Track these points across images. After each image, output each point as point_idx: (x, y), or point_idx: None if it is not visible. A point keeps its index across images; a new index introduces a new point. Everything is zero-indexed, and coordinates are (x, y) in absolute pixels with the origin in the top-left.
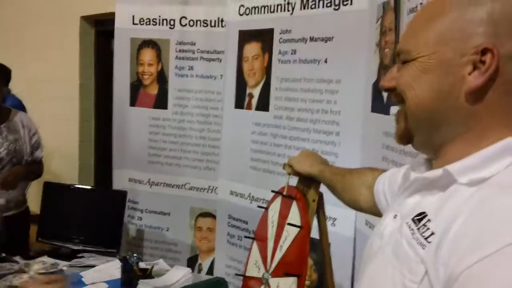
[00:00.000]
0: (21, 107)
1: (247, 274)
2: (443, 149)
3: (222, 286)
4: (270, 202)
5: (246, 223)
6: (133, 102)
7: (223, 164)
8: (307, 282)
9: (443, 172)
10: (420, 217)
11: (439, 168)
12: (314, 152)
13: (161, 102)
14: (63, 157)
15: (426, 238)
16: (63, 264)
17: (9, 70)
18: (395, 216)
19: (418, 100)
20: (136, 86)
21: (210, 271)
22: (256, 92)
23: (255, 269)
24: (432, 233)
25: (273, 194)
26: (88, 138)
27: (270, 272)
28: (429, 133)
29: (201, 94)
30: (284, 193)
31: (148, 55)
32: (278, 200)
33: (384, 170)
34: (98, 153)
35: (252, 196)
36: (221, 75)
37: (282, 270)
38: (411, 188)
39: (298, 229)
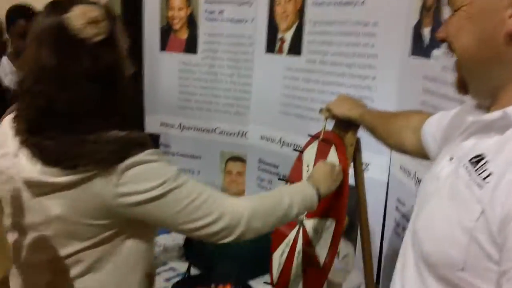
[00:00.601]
0: None
1: None
2: (498, 94)
3: None
4: (305, 146)
5: (277, 167)
6: (163, 47)
7: (253, 109)
8: None
9: (502, 114)
10: (477, 159)
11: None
12: (351, 96)
13: (191, 46)
14: None
15: (484, 179)
16: None
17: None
18: (451, 159)
19: (464, 49)
20: (166, 31)
21: None
22: (288, 36)
23: None
24: (490, 174)
25: (307, 138)
26: None
27: (305, 213)
28: (482, 81)
29: (231, 38)
30: (321, 137)
31: None
32: (314, 144)
33: (429, 114)
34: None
35: (283, 141)
36: (252, 19)
37: (318, 213)
38: (468, 131)
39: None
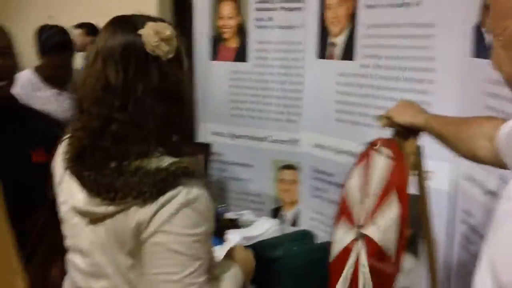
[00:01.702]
0: None
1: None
2: None
3: (308, 239)
4: (362, 154)
5: (331, 175)
6: (214, 56)
7: (306, 116)
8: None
9: None
10: None
11: None
12: (413, 101)
13: (241, 55)
14: None
15: None
16: None
17: (97, 28)
18: None
19: (507, 77)
20: (217, 40)
21: (294, 222)
22: (340, 40)
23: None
24: None
25: (362, 145)
26: None
27: (362, 222)
28: None
29: (281, 45)
30: (379, 145)
31: (227, 8)
32: (372, 152)
33: (503, 120)
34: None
35: (337, 148)
36: (302, 25)
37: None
38: None
39: (394, 185)
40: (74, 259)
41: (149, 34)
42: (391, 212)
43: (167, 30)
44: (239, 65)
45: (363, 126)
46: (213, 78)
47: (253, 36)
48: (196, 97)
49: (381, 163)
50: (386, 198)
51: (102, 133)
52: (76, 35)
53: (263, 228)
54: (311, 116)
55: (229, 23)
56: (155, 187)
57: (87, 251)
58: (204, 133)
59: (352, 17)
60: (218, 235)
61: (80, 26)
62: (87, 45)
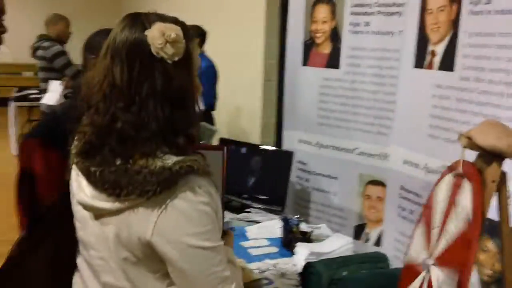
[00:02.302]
0: (212, 67)
1: (411, 250)
2: None
3: (382, 263)
4: (442, 175)
5: (420, 196)
6: (305, 62)
7: (397, 129)
8: (488, 272)
9: None
10: None
11: None
12: (500, 122)
13: (333, 61)
14: (248, 116)
15: None
16: (230, 217)
17: (205, 31)
18: None
19: None
20: (309, 45)
21: (378, 242)
22: (440, 49)
23: (418, 246)
24: None
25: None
26: (270, 97)
27: (433, 258)
28: None
29: (376, 52)
30: (458, 169)
31: (323, 11)
32: (450, 176)
33: None
34: (279, 113)
35: (429, 167)
36: (400, 31)
37: (446, 262)
38: None
39: (468, 215)
40: (81, 252)
41: (154, 35)
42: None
43: (173, 32)
44: (330, 71)
45: (458, 144)
46: (302, 84)
47: (347, 41)
48: (284, 102)
49: (449, 187)
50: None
51: (108, 131)
52: None
53: (335, 245)
54: (402, 130)
55: (323, 28)
56: (159, 185)
57: (93, 245)
58: (290, 140)
59: (454, 24)
60: (287, 246)
61: None
62: None
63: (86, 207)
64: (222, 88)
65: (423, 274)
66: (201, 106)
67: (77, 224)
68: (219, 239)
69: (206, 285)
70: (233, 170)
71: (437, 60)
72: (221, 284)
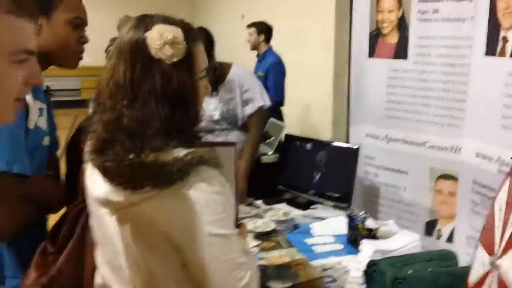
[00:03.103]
0: (279, 63)
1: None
2: None
3: (450, 261)
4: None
5: (494, 190)
6: (371, 53)
7: (469, 121)
8: None
9: None
10: None
11: None
12: None
13: (401, 51)
14: (318, 111)
15: None
16: (296, 213)
17: (271, 27)
18: None
19: None
20: (375, 36)
21: (450, 238)
22: None
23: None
24: None
25: None
26: (342, 92)
27: (497, 255)
28: None
29: (446, 40)
30: None
31: (388, 0)
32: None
33: None
34: (350, 108)
35: (502, 160)
36: (471, 17)
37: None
38: None
39: None
40: (100, 251)
41: (153, 36)
42: None
43: (171, 34)
44: (398, 62)
45: None
46: (369, 76)
47: (415, 30)
48: (351, 96)
49: None
50: None
51: (116, 127)
52: (249, 34)
53: (402, 242)
54: (475, 122)
55: (389, 17)
56: (173, 176)
57: (111, 242)
58: (357, 134)
59: None
60: (353, 244)
61: (252, 25)
62: (259, 44)
63: (103, 203)
64: (292, 84)
65: (489, 279)
66: (267, 101)
67: (94, 223)
68: (233, 228)
69: (221, 271)
70: (298, 166)
71: (510, 46)
72: (236, 271)
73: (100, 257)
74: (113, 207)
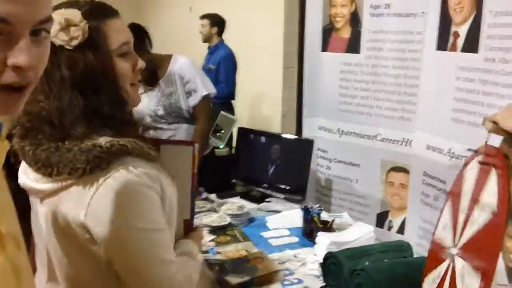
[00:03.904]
0: (231, 56)
1: (435, 237)
2: None
3: (405, 251)
4: (468, 160)
5: (444, 182)
6: (324, 47)
7: (420, 114)
8: None
9: None
10: None
11: None
12: None
13: (353, 46)
14: (268, 104)
15: None
16: (250, 207)
17: (224, 20)
18: None
19: None
20: (328, 30)
21: (401, 230)
22: (463, 30)
23: (443, 233)
24: None
25: (471, 153)
26: (291, 85)
27: (457, 247)
28: None
29: (398, 35)
30: (480, 156)
31: None
32: (476, 162)
33: None
34: (299, 101)
35: (453, 153)
36: (422, 13)
37: (471, 251)
38: None
39: (493, 207)
40: (36, 245)
41: (52, 22)
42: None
43: (63, 18)
44: (351, 56)
45: (483, 128)
46: (322, 70)
47: (367, 25)
48: (304, 89)
49: (474, 174)
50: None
51: (38, 118)
52: (202, 25)
53: (357, 234)
54: (426, 115)
55: (342, 12)
56: (89, 163)
57: (39, 230)
58: (310, 127)
59: (478, 3)
60: (308, 236)
61: (205, 17)
62: (211, 36)
63: (30, 190)
64: (243, 76)
65: (447, 262)
66: (210, 89)
67: (32, 217)
68: (159, 223)
69: (143, 265)
70: (252, 160)
71: (460, 41)
72: (161, 266)
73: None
74: (37, 195)
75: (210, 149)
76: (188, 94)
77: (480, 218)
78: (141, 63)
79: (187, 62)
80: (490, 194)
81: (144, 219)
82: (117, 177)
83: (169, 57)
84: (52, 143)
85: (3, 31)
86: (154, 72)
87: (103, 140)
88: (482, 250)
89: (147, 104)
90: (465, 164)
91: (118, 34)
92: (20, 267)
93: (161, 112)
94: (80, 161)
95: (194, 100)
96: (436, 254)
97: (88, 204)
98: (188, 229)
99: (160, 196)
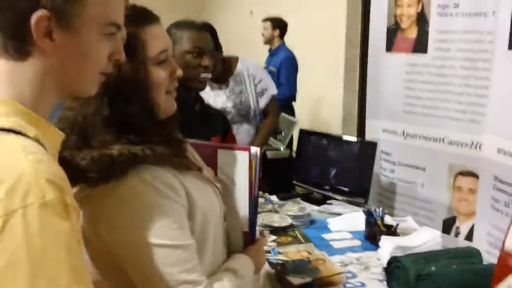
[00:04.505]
0: (292, 58)
1: (506, 245)
2: None
3: (474, 258)
4: None
5: None
6: (389, 48)
7: (491, 116)
8: None
9: None
10: None
11: None
12: None
13: (420, 46)
14: (329, 106)
15: None
16: (312, 209)
17: (286, 23)
18: None
19: None
20: (393, 30)
21: (469, 237)
22: None
23: None
24: None
25: None
26: (353, 87)
27: None
28: None
29: (467, 35)
30: None
31: None
32: None
33: None
34: (362, 103)
35: None
36: (493, 12)
37: None
38: None
39: None
40: None
41: None
42: None
43: None
44: (417, 57)
45: None
46: (387, 71)
47: (435, 25)
48: (368, 91)
49: None
50: None
51: (69, 125)
52: (264, 28)
53: (422, 239)
54: (497, 117)
55: (408, 12)
56: (100, 172)
57: None
58: (374, 130)
59: None
60: (371, 240)
61: (268, 19)
62: (273, 38)
63: None
64: (304, 79)
65: None
66: (276, 90)
67: None
68: (177, 238)
69: (159, 285)
70: (313, 162)
71: None
72: (183, 286)
73: None
74: None
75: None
76: (260, 93)
77: None
78: (179, 71)
79: (255, 63)
80: None
81: (158, 234)
82: (130, 187)
83: (236, 58)
84: (72, 151)
85: (116, 34)
86: (226, 71)
87: (115, 149)
88: None
89: (213, 102)
90: None
91: (156, 41)
92: (80, 238)
93: (229, 109)
94: (92, 171)
95: (265, 99)
96: (506, 262)
97: (101, 214)
98: (247, 242)
99: (187, 208)
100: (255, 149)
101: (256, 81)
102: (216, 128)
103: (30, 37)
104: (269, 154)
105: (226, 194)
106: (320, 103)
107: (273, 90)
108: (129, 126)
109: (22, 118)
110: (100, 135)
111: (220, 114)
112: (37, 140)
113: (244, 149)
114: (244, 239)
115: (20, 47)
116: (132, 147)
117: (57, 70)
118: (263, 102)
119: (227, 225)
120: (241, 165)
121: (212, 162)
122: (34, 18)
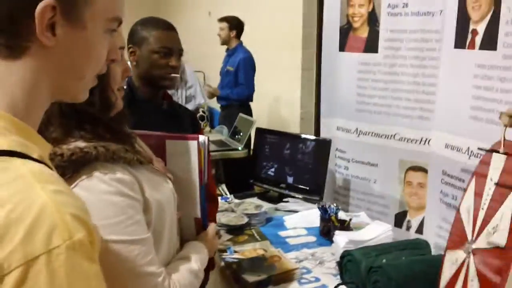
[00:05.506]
0: (250, 58)
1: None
2: None
3: (423, 249)
4: (484, 158)
5: (463, 181)
6: (342, 47)
7: (438, 113)
8: None
9: None
10: None
11: None
12: None
13: (371, 45)
14: (286, 106)
15: None
16: (269, 207)
17: (243, 22)
18: None
19: None
20: (346, 30)
21: (420, 230)
22: (481, 28)
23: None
24: None
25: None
26: (309, 86)
27: (473, 245)
28: None
29: (416, 34)
30: (500, 150)
31: None
32: (499, 158)
33: None
34: (318, 102)
35: (471, 151)
36: (441, 11)
37: (487, 256)
38: None
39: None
40: None
41: None
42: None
43: None
44: (369, 56)
45: (502, 126)
46: (341, 70)
47: (385, 24)
48: (321, 89)
49: (498, 168)
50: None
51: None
52: (220, 29)
53: (374, 233)
54: (444, 114)
55: (359, 11)
56: (61, 168)
57: None
58: (329, 128)
59: (496, 0)
60: (326, 235)
61: (224, 19)
62: (229, 39)
63: None
64: (261, 78)
65: (464, 256)
66: (205, 99)
67: None
68: (134, 233)
69: (118, 279)
70: (270, 160)
71: (478, 39)
72: (138, 280)
73: None
74: None
75: None
76: (188, 99)
77: (503, 216)
78: (129, 71)
79: (191, 69)
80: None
81: (115, 231)
82: (83, 186)
83: None
84: None
85: (115, 31)
86: None
87: (66, 148)
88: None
89: None
90: (484, 159)
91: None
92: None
93: None
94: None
95: (191, 106)
96: (454, 250)
97: None
98: (199, 228)
99: (142, 202)
100: (203, 137)
101: (187, 86)
102: (184, 126)
103: (30, 31)
104: (227, 154)
105: (177, 183)
106: (278, 103)
107: (201, 99)
108: (84, 120)
109: (21, 135)
110: (52, 126)
111: (189, 113)
112: (42, 161)
113: (193, 138)
114: (196, 226)
115: (15, 43)
116: (85, 145)
117: (53, 71)
118: (189, 108)
119: (179, 213)
120: (190, 153)
121: (160, 153)
122: (40, 6)
